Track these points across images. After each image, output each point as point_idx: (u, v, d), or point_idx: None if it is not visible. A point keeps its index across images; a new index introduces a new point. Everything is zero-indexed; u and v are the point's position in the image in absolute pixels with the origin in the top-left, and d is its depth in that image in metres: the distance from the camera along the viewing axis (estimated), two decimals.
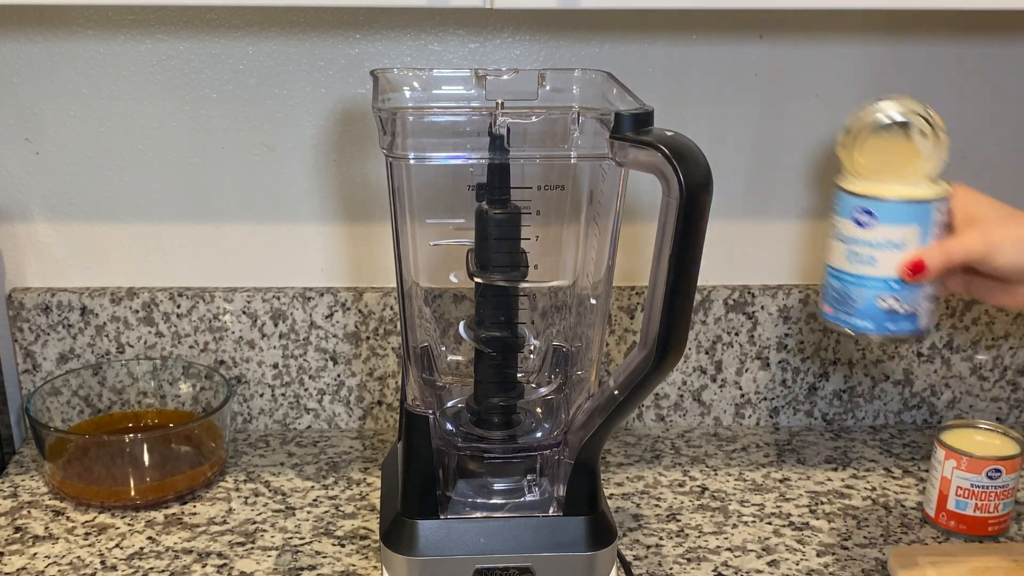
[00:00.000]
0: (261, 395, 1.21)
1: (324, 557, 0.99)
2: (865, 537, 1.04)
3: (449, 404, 0.88)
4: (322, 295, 1.17)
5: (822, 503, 1.10)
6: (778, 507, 1.09)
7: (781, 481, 1.14)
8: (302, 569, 0.97)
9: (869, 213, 0.86)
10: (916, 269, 0.87)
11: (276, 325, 1.18)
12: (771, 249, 1.21)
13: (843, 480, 1.14)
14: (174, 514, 1.05)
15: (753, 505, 1.09)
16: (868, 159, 0.88)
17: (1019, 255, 0.85)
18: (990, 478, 1.02)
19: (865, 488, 1.13)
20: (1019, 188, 1.20)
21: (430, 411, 0.83)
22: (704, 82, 1.14)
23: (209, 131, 1.13)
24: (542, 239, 0.82)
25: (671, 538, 1.03)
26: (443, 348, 0.91)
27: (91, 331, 1.18)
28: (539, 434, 0.86)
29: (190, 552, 1.00)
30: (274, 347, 1.19)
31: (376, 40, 1.11)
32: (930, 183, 0.88)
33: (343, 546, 1.01)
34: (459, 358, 0.90)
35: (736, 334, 1.21)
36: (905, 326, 0.88)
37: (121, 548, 1.00)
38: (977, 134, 1.18)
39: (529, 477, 0.86)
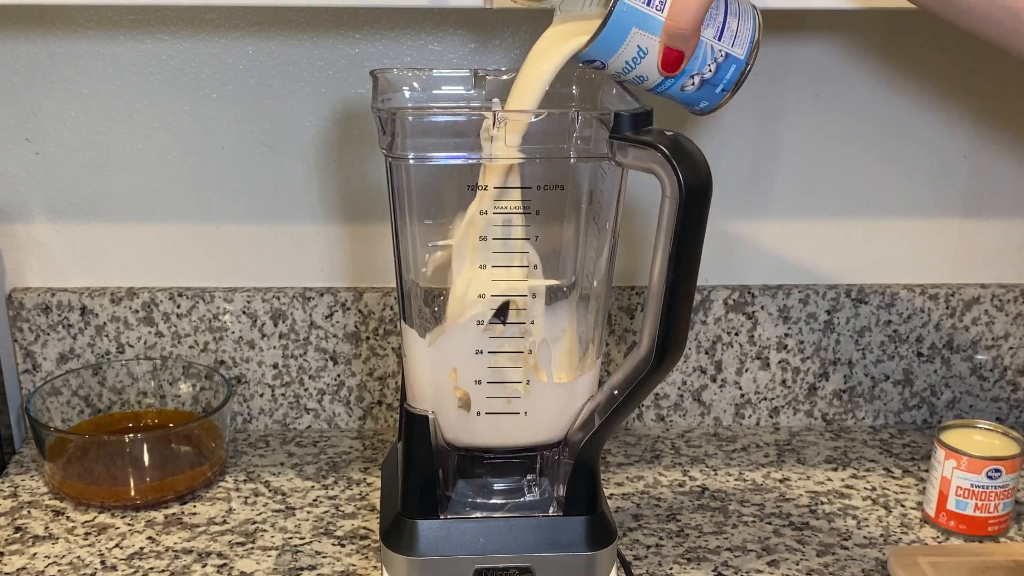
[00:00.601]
0: (261, 395, 1.21)
1: (324, 557, 0.99)
2: (865, 537, 1.04)
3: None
4: (322, 295, 1.17)
5: (822, 503, 1.10)
6: (778, 507, 1.09)
7: (781, 481, 1.14)
8: (302, 569, 0.98)
9: (593, 62, 0.78)
10: (673, 63, 0.76)
11: (276, 325, 1.18)
12: (771, 249, 1.21)
13: (843, 480, 1.14)
14: (174, 514, 1.06)
15: (753, 505, 1.09)
16: (557, 28, 0.82)
17: None
18: (990, 478, 1.02)
19: (865, 488, 1.13)
20: (1020, 188, 1.20)
21: (430, 411, 0.83)
22: None
23: (209, 131, 1.13)
24: (542, 239, 0.82)
25: (671, 538, 1.03)
26: None
27: (91, 331, 1.18)
28: None
29: (190, 552, 1.00)
30: (274, 347, 1.19)
31: (376, 40, 1.11)
32: None
33: (343, 546, 1.01)
34: None
35: (736, 334, 1.21)
36: (731, 71, 0.78)
37: (121, 548, 1.00)
38: (977, 134, 1.18)
39: (529, 477, 0.86)
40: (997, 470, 1.02)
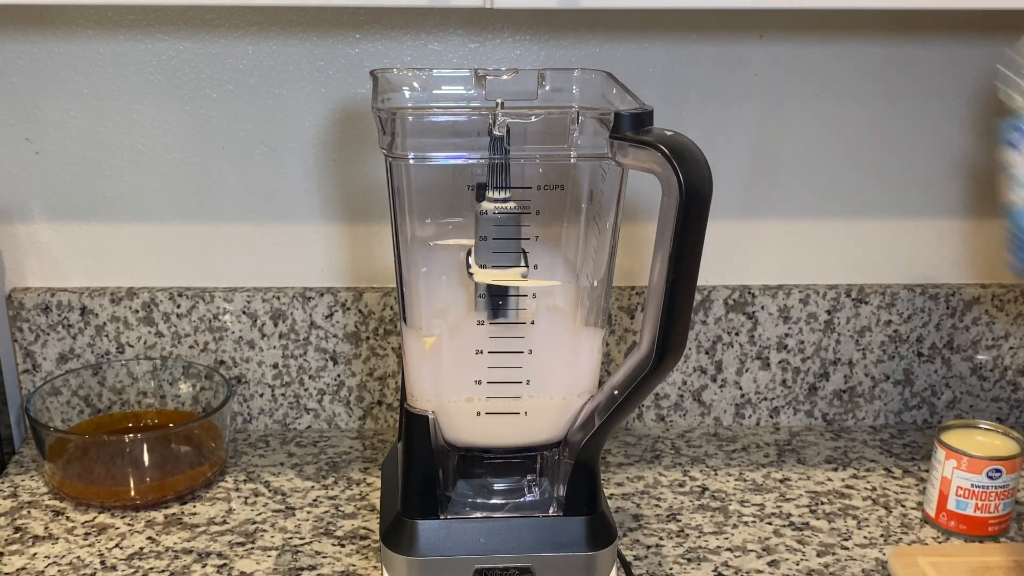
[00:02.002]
0: (261, 395, 1.21)
1: (324, 557, 0.99)
2: (865, 537, 1.04)
3: None
4: (322, 295, 1.17)
5: (822, 503, 1.10)
6: (778, 507, 1.09)
7: (781, 481, 1.14)
8: (302, 569, 0.97)
9: (1020, 130, 0.75)
10: None
11: (276, 325, 1.18)
12: (771, 249, 1.21)
13: (843, 480, 1.14)
14: (174, 514, 1.05)
15: (753, 505, 1.09)
16: None
17: None
18: (990, 478, 1.02)
19: (865, 488, 1.13)
20: None
21: (430, 411, 0.83)
22: (704, 82, 1.14)
23: (209, 131, 1.13)
24: (542, 239, 0.82)
25: (671, 538, 1.03)
26: None
27: (91, 331, 1.18)
28: None
29: (190, 552, 1.00)
30: (274, 347, 1.19)
31: (376, 40, 1.11)
32: None
33: (343, 546, 1.01)
34: None
35: (736, 334, 1.21)
36: None
37: (121, 548, 1.00)
38: (977, 134, 1.18)
39: (529, 477, 0.86)
40: (997, 470, 1.02)
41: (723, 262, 1.20)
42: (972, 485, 1.02)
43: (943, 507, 1.04)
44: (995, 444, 1.04)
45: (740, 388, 1.24)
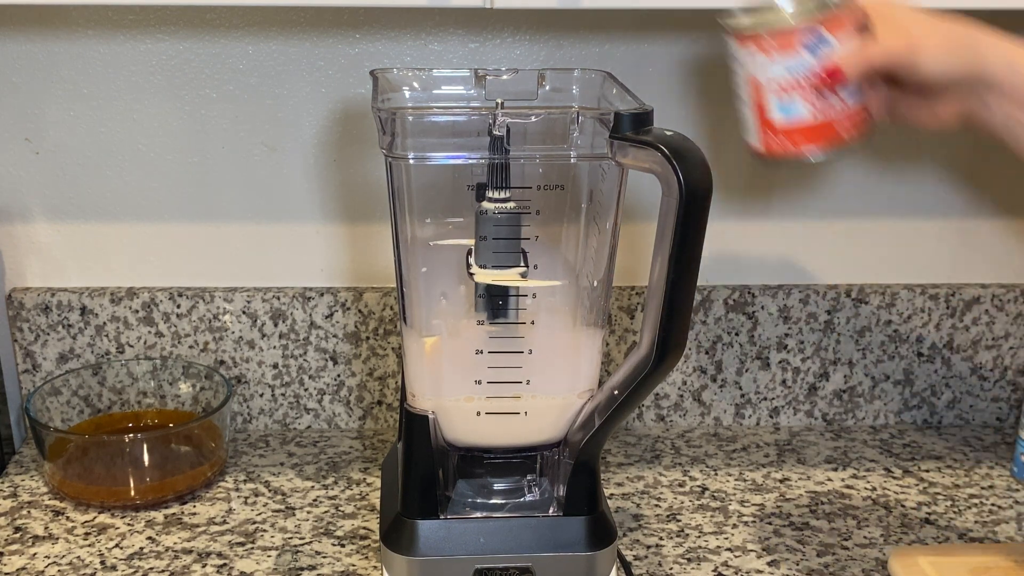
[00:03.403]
0: (261, 395, 1.21)
1: (324, 557, 0.99)
2: (865, 537, 1.04)
3: None
4: (322, 295, 1.17)
5: (822, 503, 1.10)
6: (778, 507, 1.09)
7: (781, 481, 1.14)
8: (302, 569, 0.98)
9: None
10: (833, 75, 0.71)
11: (276, 325, 1.18)
12: (771, 249, 1.21)
13: (843, 480, 1.14)
14: (174, 514, 1.05)
15: (753, 505, 1.09)
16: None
17: (945, 57, 0.75)
18: (812, 52, 0.72)
19: (865, 488, 1.13)
20: (1020, 189, 1.20)
21: (430, 411, 0.83)
22: (704, 82, 1.14)
23: (209, 131, 1.13)
24: (542, 239, 0.82)
25: (671, 538, 1.03)
26: None
27: (91, 331, 1.18)
28: None
29: (190, 552, 1.00)
30: (274, 347, 1.19)
31: (376, 40, 1.11)
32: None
33: (343, 546, 1.01)
34: None
35: (736, 334, 1.21)
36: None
37: (121, 548, 1.00)
38: (977, 134, 1.18)
39: (529, 477, 0.86)
40: (819, 37, 0.72)
41: (723, 262, 1.20)
42: (791, 73, 0.73)
43: (767, 125, 0.75)
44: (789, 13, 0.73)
45: (740, 388, 1.24)
